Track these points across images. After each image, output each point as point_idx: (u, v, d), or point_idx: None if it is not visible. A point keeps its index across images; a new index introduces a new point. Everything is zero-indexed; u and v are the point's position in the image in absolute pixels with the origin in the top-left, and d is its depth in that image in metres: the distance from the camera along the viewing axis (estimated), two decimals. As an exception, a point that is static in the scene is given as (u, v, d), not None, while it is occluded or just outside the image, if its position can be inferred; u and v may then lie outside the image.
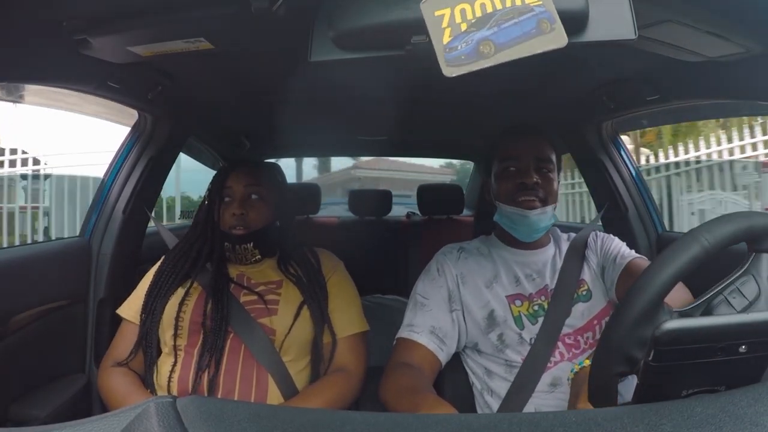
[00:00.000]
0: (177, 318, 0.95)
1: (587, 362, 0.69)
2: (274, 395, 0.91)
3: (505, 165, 0.96)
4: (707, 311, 0.51)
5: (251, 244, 1.02)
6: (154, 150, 1.34)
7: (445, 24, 0.54)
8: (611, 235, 1.04)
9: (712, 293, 0.52)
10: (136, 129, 1.33)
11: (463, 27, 0.54)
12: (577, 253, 0.98)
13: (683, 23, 0.70)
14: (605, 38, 0.59)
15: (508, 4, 0.53)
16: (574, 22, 0.58)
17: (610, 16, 0.58)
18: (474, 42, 0.53)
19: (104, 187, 1.34)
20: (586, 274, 0.97)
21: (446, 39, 0.54)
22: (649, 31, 0.71)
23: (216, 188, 1.05)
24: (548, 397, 0.86)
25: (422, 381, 0.82)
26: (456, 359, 0.96)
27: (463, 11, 0.54)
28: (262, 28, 0.74)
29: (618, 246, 0.99)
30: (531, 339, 0.89)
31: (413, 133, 1.94)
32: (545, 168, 0.95)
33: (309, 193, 2.45)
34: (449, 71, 0.54)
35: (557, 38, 0.53)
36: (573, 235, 1.05)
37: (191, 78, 1.10)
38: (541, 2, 0.53)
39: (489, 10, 0.53)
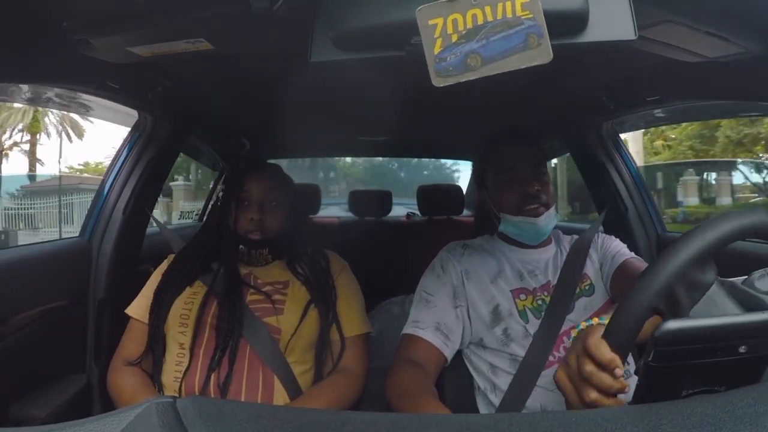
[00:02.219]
0: (184, 317, 0.95)
1: (596, 320, 0.66)
2: (281, 396, 0.91)
3: (503, 176, 0.98)
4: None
5: (266, 250, 1.03)
6: (154, 150, 1.34)
7: (437, 34, 0.55)
8: (613, 237, 1.06)
9: None
10: (136, 129, 1.34)
11: (454, 38, 0.55)
12: (581, 251, 1.00)
13: (683, 23, 0.70)
14: (605, 38, 0.59)
15: (500, 16, 0.54)
16: (574, 22, 0.58)
17: (610, 17, 0.59)
18: (462, 54, 0.55)
19: (104, 187, 1.34)
20: (590, 270, 0.98)
21: (437, 49, 0.55)
22: (649, 31, 0.71)
23: (233, 190, 1.03)
24: (553, 393, 0.85)
25: (425, 382, 0.82)
26: (457, 358, 0.96)
27: (455, 21, 0.55)
28: (262, 29, 0.74)
29: (618, 246, 1.02)
30: (535, 333, 0.90)
31: (414, 133, 1.94)
32: (540, 172, 0.98)
33: (309, 193, 2.45)
34: (438, 81, 0.56)
35: (543, 54, 0.54)
36: (576, 237, 1.06)
37: (191, 78, 1.10)
38: (531, 15, 0.53)
39: (480, 21, 0.55)
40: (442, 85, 0.55)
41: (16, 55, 0.76)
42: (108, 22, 0.73)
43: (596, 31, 0.59)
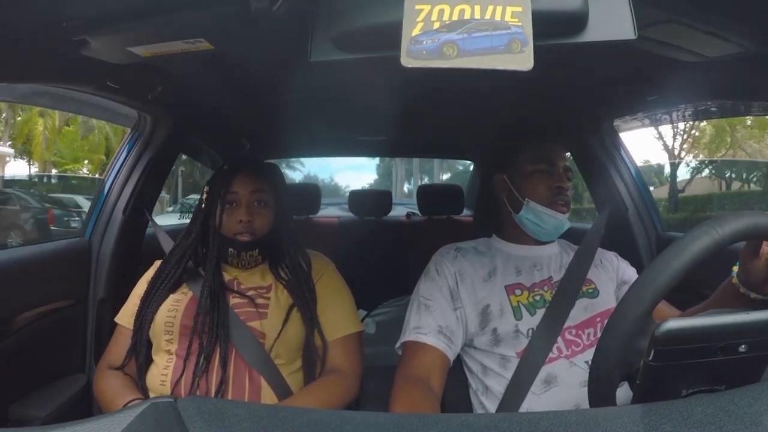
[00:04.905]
0: (169, 323, 0.94)
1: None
2: (268, 398, 0.91)
3: (538, 167, 0.98)
4: None
5: (257, 251, 1.01)
6: (153, 150, 1.34)
7: (420, 18, 0.55)
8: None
9: None
10: (135, 129, 1.34)
11: (436, 26, 0.54)
12: (589, 253, 1.00)
13: (683, 23, 0.70)
14: (605, 38, 0.59)
15: (488, 16, 0.54)
16: (574, 21, 0.58)
17: (610, 16, 0.58)
18: (440, 42, 0.54)
19: (104, 187, 1.34)
20: (595, 275, 0.98)
21: (415, 32, 0.55)
22: (649, 31, 0.71)
23: (219, 192, 1.01)
24: (540, 398, 0.85)
25: (430, 406, 0.81)
26: (456, 359, 0.96)
27: (441, 11, 0.55)
28: (262, 29, 0.74)
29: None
30: (528, 331, 0.89)
31: (413, 133, 1.94)
32: (569, 176, 1.00)
33: (309, 193, 2.45)
34: (407, 61, 0.55)
35: (523, 61, 0.53)
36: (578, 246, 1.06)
37: (191, 78, 1.10)
38: (520, 23, 0.53)
39: (467, 17, 0.54)
40: (410, 66, 0.55)
41: (16, 55, 0.76)
42: (108, 22, 0.73)
43: (596, 31, 0.59)
